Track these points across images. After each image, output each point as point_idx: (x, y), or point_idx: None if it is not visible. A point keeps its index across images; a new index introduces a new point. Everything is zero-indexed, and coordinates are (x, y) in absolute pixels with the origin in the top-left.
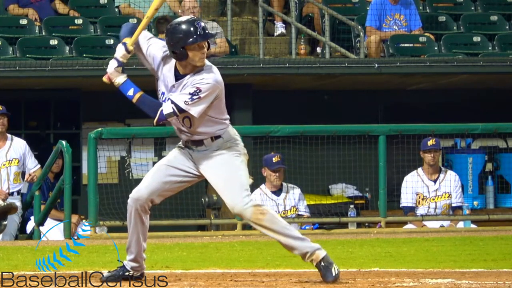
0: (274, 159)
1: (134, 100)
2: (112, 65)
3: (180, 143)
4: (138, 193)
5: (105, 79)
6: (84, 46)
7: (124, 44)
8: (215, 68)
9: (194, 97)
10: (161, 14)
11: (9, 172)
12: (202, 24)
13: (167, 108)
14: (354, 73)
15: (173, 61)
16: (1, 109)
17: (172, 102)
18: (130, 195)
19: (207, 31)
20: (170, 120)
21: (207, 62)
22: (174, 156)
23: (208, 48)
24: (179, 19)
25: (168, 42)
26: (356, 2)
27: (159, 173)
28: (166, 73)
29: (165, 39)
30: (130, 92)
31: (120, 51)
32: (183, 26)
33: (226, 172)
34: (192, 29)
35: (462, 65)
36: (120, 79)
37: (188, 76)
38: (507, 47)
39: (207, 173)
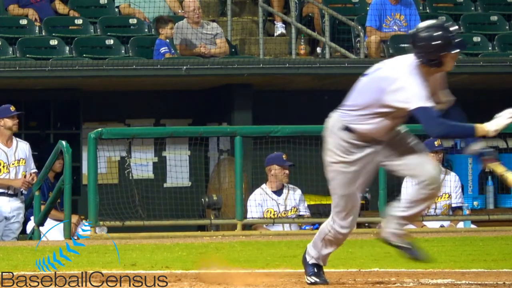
0: (284, 157)
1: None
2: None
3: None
4: None
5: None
6: (84, 46)
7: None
8: None
9: None
10: (160, 14)
11: (17, 172)
12: (455, 30)
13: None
14: (354, 73)
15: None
16: (14, 109)
17: None
18: None
19: (461, 39)
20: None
21: None
22: None
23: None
24: (431, 24)
25: (423, 48)
26: (356, 2)
27: None
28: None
29: (416, 44)
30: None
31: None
32: (442, 33)
33: None
34: (451, 36)
35: (462, 65)
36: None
37: None
38: (507, 47)
39: None
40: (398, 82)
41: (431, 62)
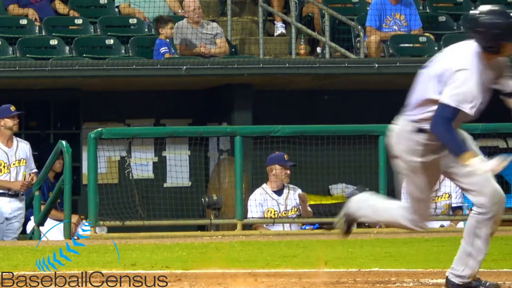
0: (286, 157)
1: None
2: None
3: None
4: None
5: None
6: (84, 46)
7: None
8: None
9: None
10: (160, 14)
11: (18, 172)
12: None
13: None
14: (354, 73)
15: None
16: (14, 109)
17: None
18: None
19: None
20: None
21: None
22: None
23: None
24: (494, 9)
25: (481, 33)
26: (356, 2)
27: None
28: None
29: (475, 28)
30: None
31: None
32: (504, 20)
33: None
34: None
35: None
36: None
37: None
38: None
39: None
40: (455, 75)
41: (489, 48)
